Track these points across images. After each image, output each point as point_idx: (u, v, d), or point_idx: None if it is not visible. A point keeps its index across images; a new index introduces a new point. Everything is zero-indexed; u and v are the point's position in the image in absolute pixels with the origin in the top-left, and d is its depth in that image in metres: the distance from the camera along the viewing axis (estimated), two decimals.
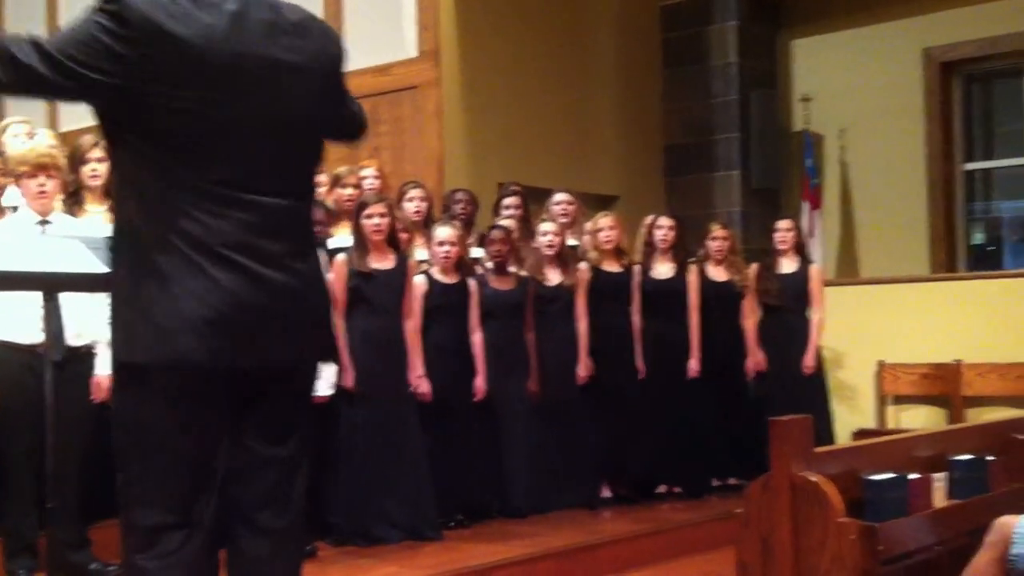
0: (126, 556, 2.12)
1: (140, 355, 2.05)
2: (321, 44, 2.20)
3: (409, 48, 7.17)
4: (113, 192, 2.22)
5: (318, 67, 2.18)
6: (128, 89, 1.99)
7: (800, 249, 6.30)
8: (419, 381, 4.82)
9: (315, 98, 2.17)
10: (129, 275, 2.08)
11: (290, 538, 2.24)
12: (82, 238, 2.87)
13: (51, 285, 2.79)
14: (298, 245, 2.16)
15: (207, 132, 2.05)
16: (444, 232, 5.01)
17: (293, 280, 2.13)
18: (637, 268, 5.82)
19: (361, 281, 4.74)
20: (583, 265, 5.67)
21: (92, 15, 2.00)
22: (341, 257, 4.78)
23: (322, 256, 4.56)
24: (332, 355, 2.34)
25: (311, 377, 2.32)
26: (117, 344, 2.12)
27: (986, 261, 8.34)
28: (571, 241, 5.87)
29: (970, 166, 8.29)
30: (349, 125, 2.42)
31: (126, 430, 2.12)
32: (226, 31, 2.04)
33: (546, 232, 5.50)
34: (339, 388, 4.63)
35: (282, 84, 2.11)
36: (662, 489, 5.83)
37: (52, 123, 7.32)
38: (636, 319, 5.75)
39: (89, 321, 3.84)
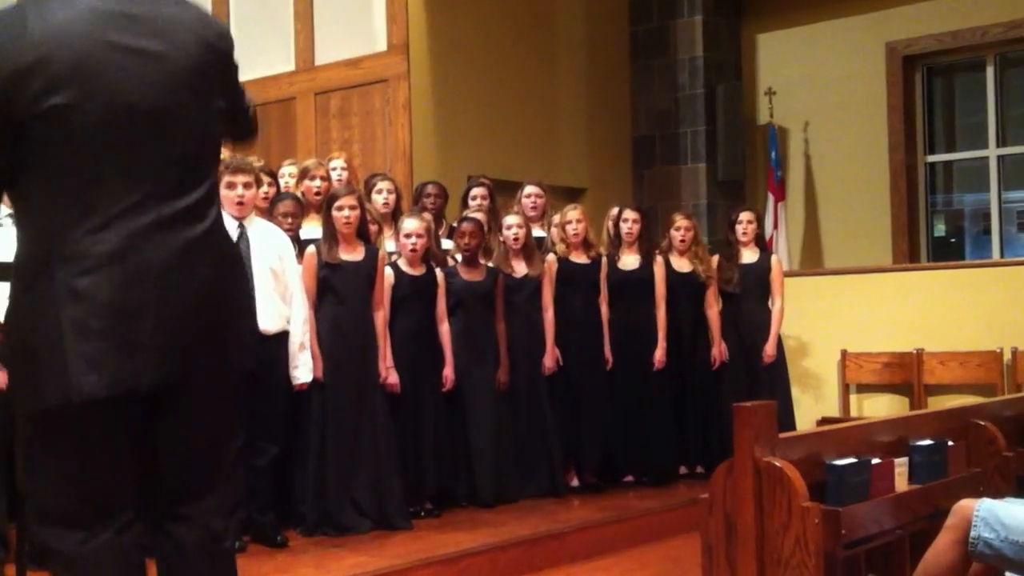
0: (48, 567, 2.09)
1: (42, 403, 1.98)
2: (195, 34, 2.10)
3: (378, 41, 7.17)
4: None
5: (186, 56, 2.06)
6: (11, 146, 1.95)
7: (760, 240, 6.37)
8: (388, 372, 4.83)
9: (191, 84, 2.07)
10: (16, 313, 2.02)
11: (217, 540, 2.17)
12: None
13: None
14: (194, 249, 2.05)
15: (72, 140, 1.96)
16: (411, 224, 5.03)
17: (190, 288, 2.03)
18: (604, 259, 5.86)
19: (330, 272, 4.74)
20: (550, 256, 5.70)
21: None
22: (311, 249, 4.78)
23: (289, 247, 4.60)
24: (245, 358, 2.24)
25: (229, 367, 2.20)
26: (15, 392, 2.05)
27: (947, 252, 8.47)
28: (539, 233, 5.90)
29: (932, 158, 8.42)
30: (233, 123, 2.31)
31: (26, 452, 2.08)
32: (77, 25, 1.97)
33: (511, 225, 5.53)
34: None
35: (147, 73, 2.01)
36: (629, 477, 5.89)
37: None
38: (604, 309, 5.79)
39: None
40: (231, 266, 2.18)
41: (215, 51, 2.14)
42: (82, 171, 1.98)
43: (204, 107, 2.11)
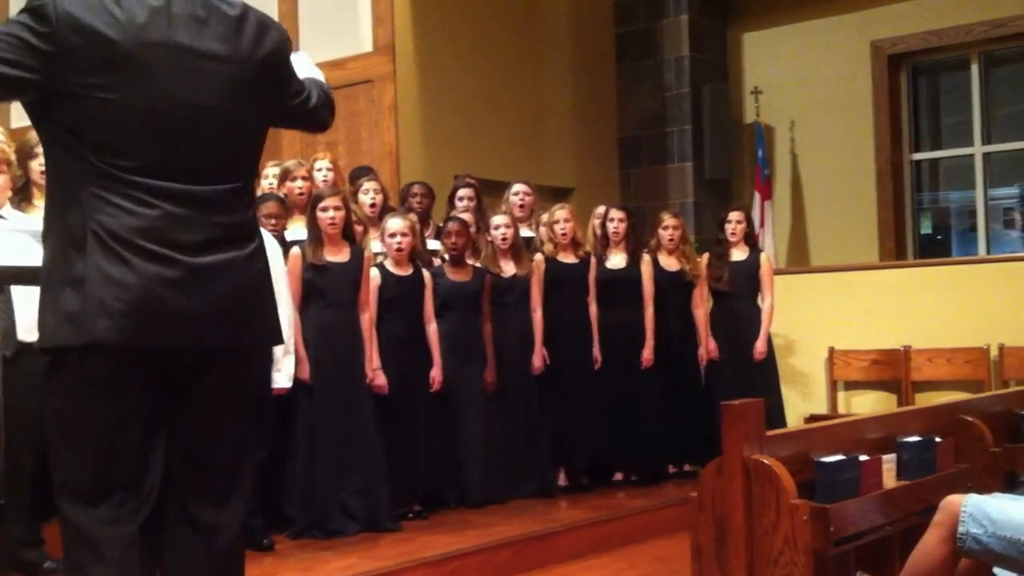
0: (64, 550, 2.13)
1: (54, 339, 2.07)
2: (255, 37, 2.21)
3: (364, 42, 7.15)
4: (45, 183, 2.24)
5: (249, 58, 2.18)
6: (49, 83, 2.03)
7: (750, 238, 6.38)
8: (375, 374, 4.81)
9: (245, 88, 2.18)
10: (52, 264, 2.11)
11: (225, 533, 2.22)
12: (31, 232, 2.84)
13: (1, 278, 2.76)
14: (224, 233, 2.15)
15: (125, 122, 2.06)
16: (395, 224, 5.01)
17: (215, 266, 2.12)
18: (592, 259, 5.85)
19: (315, 274, 4.72)
20: (538, 256, 5.70)
21: (17, 15, 2.05)
22: (295, 250, 4.76)
23: (276, 248, 4.57)
24: (273, 339, 2.35)
25: (249, 364, 2.30)
26: (39, 330, 2.13)
27: (934, 249, 8.50)
28: (527, 232, 5.89)
29: (918, 156, 8.45)
30: (305, 115, 2.43)
31: (51, 419, 2.14)
32: (146, 22, 2.07)
33: (499, 225, 5.52)
34: (295, 381, 4.61)
35: (204, 73, 2.12)
36: (618, 476, 5.89)
37: (3, 119, 7.21)
38: (592, 309, 5.79)
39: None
40: (259, 262, 2.26)
41: (271, 56, 2.24)
42: (124, 152, 2.07)
43: (251, 111, 2.21)
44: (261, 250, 2.28)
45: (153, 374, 2.12)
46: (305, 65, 2.57)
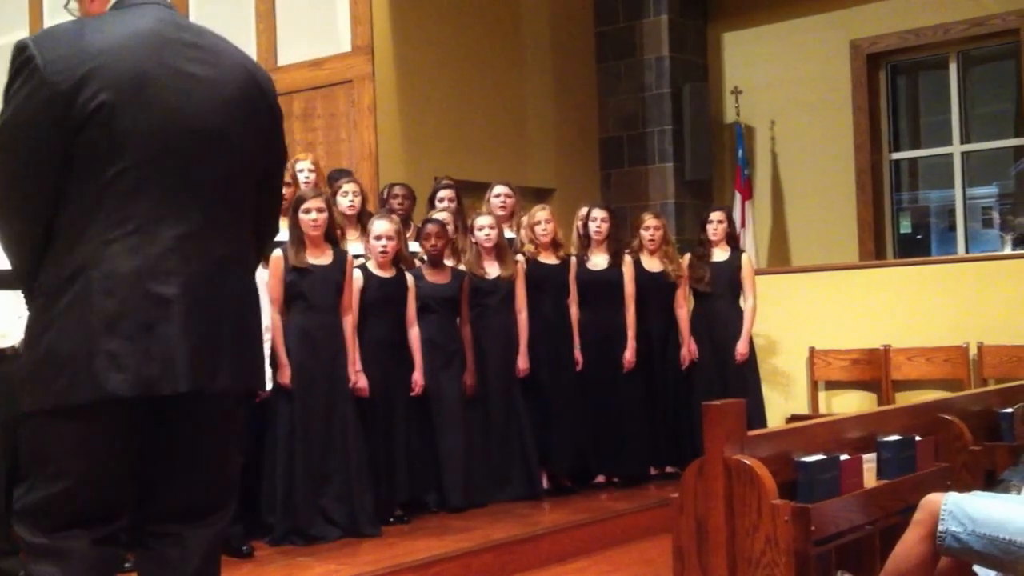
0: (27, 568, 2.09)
1: (57, 398, 1.98)
2: (243, 68, 2.20)
3: (343, 42, 7.12)
4: None
5: (235, 84, 2.16)
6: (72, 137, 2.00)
7: (731, 238, 6.39)
8: (357, 376, 4.79)
9: (238, 110, 2.15)
10: (41, 313, 2.03)
11: (206, 548, 2.19)
12: None
13: None
14: (223, 262, 2.11)
15: (115, 146, 2.01)
16: (381, 226, 4.98)
17: (216, 299, 2.08)
18: (573, 260, 5.84)
19: (297, 276, 4.69)
20: (519, 257, 5.68)
21: (15, 87, 2.02)
22: (277, 253, 4.73)
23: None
24: (258, 382, 2.29)
25: (239, 398, 2.26)
26: (27, 384, 2.05)
27: (913, 249, 8.54)
28: (509, 234, 5.87)
29: (897, 156, 8.49)
30: (278, 198, 2.42)
31: (29, 449, 2.08)
32: (134, 42, 2.05)
33: (482, 226, 5.49)
34: (275, 385, 4.58)
35: (194, 93, 2.09)
36: (600, 479, 5.87)
37: None
38: (573, 310, 5.77)
39: (14, 321, 3.74)
40: (253, 287, 2.24)
41: (261, 89, 2.22)
42: (123, 179, 2.02)
43: (249, 133, 2.18)
44: (250, 270, 2.25)
45: (144, 409, 2.07)
46: None
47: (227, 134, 2.13)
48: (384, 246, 4.94)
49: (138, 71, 2.03)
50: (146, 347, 1.99)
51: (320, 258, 4.74)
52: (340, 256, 4.80)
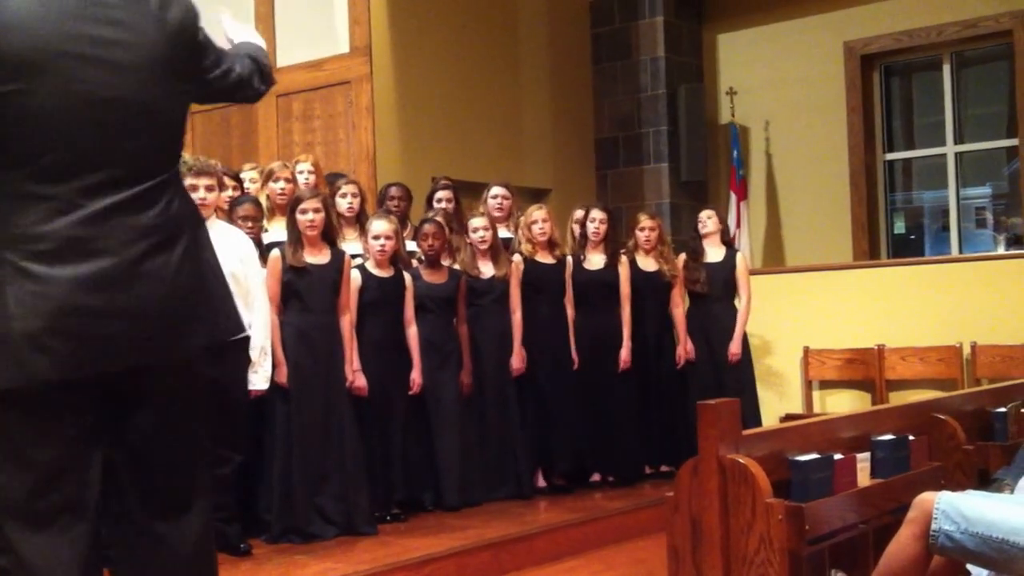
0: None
1: None
2: (156, 20, 2.07)
3: (341, 43, 7.14)
4: None
5: (154, 38, 2.05)
6: None
7: (725, 238, 6.42)
8: (355, 375, 4.80)
9: (153, 72, 2.04)
10: None
11: (185, 543, 2.12)
12: None
13: None
14: (152, 234, 2.02)
15: (26, 126, 1.94)
16: (380, 226, 5.00)
17: (145, 272, 2.00)
18: (569, 260, 5.86)
19: (294, 276, 4.70)
20: (516, 257, 5.69)
21: None
22: (275, 252, 4.74)
23: (251, 248, 4.54)
24: (224, 334, 2.19)
25: (197, 370, 2.17)
26: None
27: (907, 249, 8.57)
28: (505, 234, 5.89)
29: (891, 156, 8.51)
30: (228, 89, 2.28)
31: None
32: (34, 12, 1.94)
33: (477, 227, 5.51)
34: (272, 384, 4.59)
35: (103, 62, 1.99)
36: (596, 478, 5.89)
37: None
38: (569, 310, 5.79)
39: None
40: (197, 254, 2.13)
41: (178, 33, 2.10)
42: (37, 157, 1.96)
43: (167, 95, 2.08)
44: (199, 242, 2.15)
45: (90, 393, 2.01)
46: (236, 29, 2.43)
47: (146, 98, 2.04)
48: (382, 245, 4.95)
49: (41, 45, 1.94)
50: (72, 328, 1.93)
51: (317, 258, 4.76)
52: (337, 256, 4.81)
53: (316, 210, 4.70)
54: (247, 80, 2.31)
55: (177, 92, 2.12)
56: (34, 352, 1.92)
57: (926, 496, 2.71)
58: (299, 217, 4.70)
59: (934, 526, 2.64)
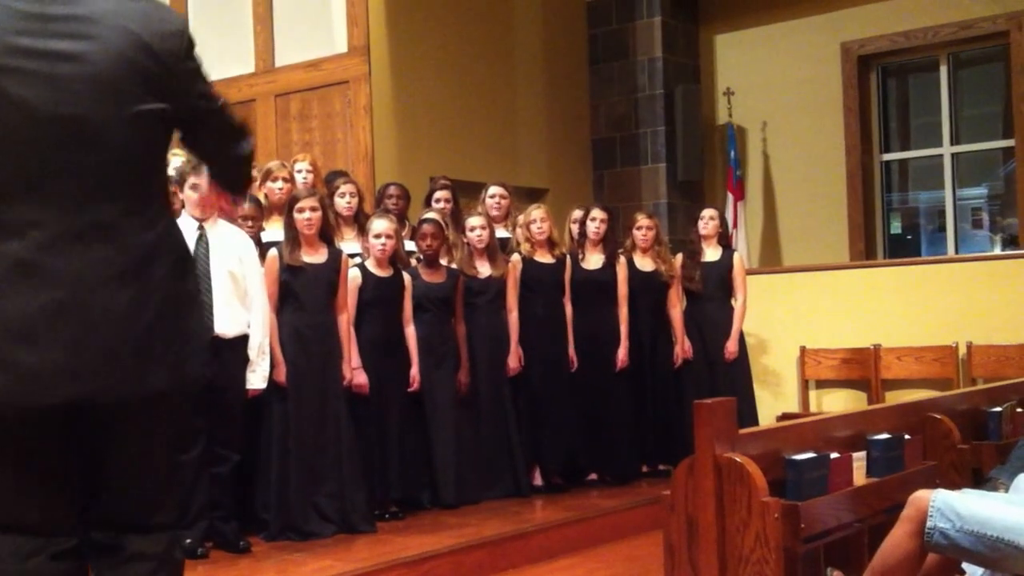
0: None
1: None
2: (127, 33, 1.93)
3: (339, 43, 7.15)
4: None
5: (108, 57, 1.91)
6: None
7: (723, 238, 6.43)
8: (355, 373, 4.81)
9: (101, 91, 1.90)
10: None
11: (150, 560, 2.06)
12: None
13: None
14: (107, 263, 1.91)
15: None
16: (381, 224, 5.01)
17: (95, 304, 1.89)
18: (568, 259, 5.87)
19: (291, 275, 4.71)
20: (514, 257, 5.71)
21: None
22: (272, 252, 4.75)
23: (251, 248, 4.56)
24: (179, 374, 2.04)
25: (167, 406, 2.06)
26: None
27: (903, 249, 8.59)
28: (503, 233, 5.91)
29: (887, 157, 8.53)
30: (206, 114, 2.11)
31: None
32: None
33: (474, 227, 5.53)
34: (270, 383, 4.60)
35: (57, 78, 1.87)
36: (592, 476, 5.91)
37: None
38: (568, 309, 5.81)
39: None
40: (167, 289, 2.00)
41: (151, 51, 1.96)
42: None
43: (130, 112, 1.93)
44: (174, 274, 2.02)
45: (50, 421, 1.95)
46: None
47: (103, 115, 1.91)
48: (383, 244, 4.97)
49: None
50: (9, 357, 1.86)
51: (314, 257, 4.77)
52: (334, 255, 4.82)
53: (313, 209, 4.71)
54: (238, 123, 2.18)
55: (141, 111, 1.95)
56: None
57: (921, 494, 2.72)
58: (296, 216, 4.71)
59: (929, 523, 2.65)
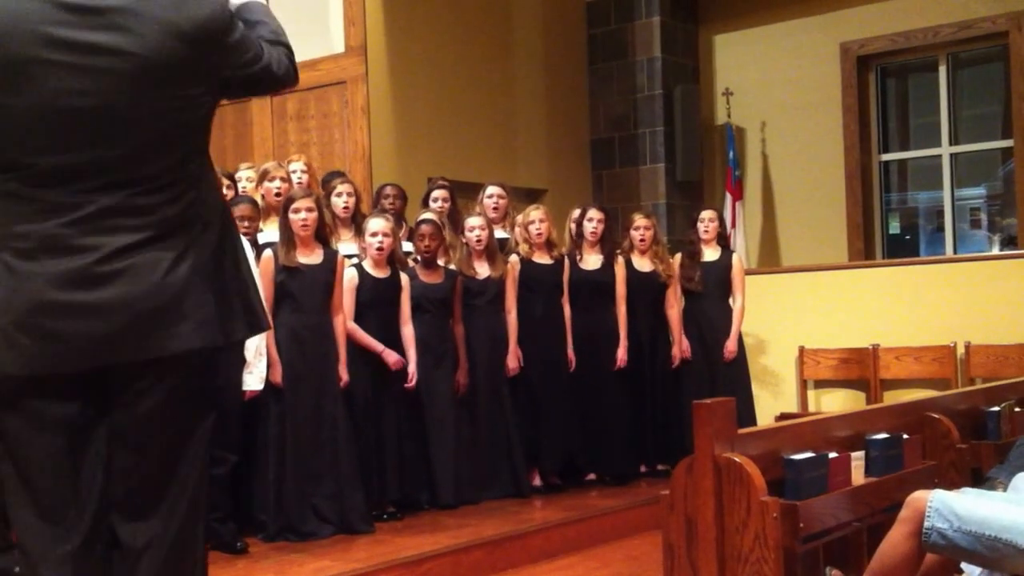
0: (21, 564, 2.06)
1: None
2: (160, 24, 1.97)
3: (336, 43, 7.14)
4: None
5: (146, 49, 1.96)
6: None
7: (722, 238, 6.43)
8: (341, 370, 4.78)
9: (153, 76, 1.97)
10: None
11: (155, 553, 2.07)
12: None
13: None
14: (140, 232, 1.98)
15: (10, 130, 1.94)
16: (377, 224, 5.01)
17: (125, 269, 1.97)
18: (567, 260, 5.87)
19: (287, 276, 4.71)
20: (513, 257, 5.70)
21: None
22: (267, 253, 4.75)
23: (250, 250, 4.56)
24: (216, 339, 2.09)
25: (186, 372, 2.09)
26: None
27: (902, 249, 8.59)
28: (501, 234, 5.90)
29: (886, 157, 8.54)
30: (268, 82, 2.20)
31: None
32: (13, 18, 1.91)
33: (473, 227, 5.52)
34: (266, 384, 4.60)
35: (93, 68, 1.93)
36: (591, 476, 5.91)
37: None
38: (566, 310, 5.80)
39: None
40: (206, 257, 2.08)
41: (189, 39, 2.00)
42: (24, 161, 1.95)
43: (167, 101, 2.00)
44: (218, 245, 2.10)
45: (73, 391, 2.01)
46: (259, 11, 2.29)
47: (141, 105, 1.97)
48: (380, 242, 4.96)
49: (17, 52, 1.90)
50: (42, 325, 1.94)
51: (310, 258, 4.76)
52: (330, 256, 4.82)
53: (309, 210, 4.70)
54: (285, 74, 2.23)
55: (180, 98, 2.03)
56: (3, 347, 1.95)
57: (919, 495, 2.72)
58: (292, 217, 4.71)
59: (927, 524, 2.65)
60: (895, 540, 2.73)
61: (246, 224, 4.83)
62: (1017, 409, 3.95)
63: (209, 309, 2.07)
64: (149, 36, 1.96)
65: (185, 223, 2.06)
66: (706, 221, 6.33)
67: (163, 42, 1.97)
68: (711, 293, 6.25)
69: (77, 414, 2.04)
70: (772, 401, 7.29)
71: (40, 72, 1.92)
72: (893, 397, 6.79)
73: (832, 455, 2.90)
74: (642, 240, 6.11)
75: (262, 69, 2.16)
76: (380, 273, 5.03)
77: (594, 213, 5.98)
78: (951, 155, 8.26)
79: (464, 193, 6.32)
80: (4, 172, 1.97)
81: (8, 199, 1.97)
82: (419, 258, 5.34)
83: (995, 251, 8.25)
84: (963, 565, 2.82)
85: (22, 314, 1.95)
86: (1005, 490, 3.09)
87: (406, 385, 5.06)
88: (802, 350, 7.33)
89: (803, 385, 7.36)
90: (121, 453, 2.07)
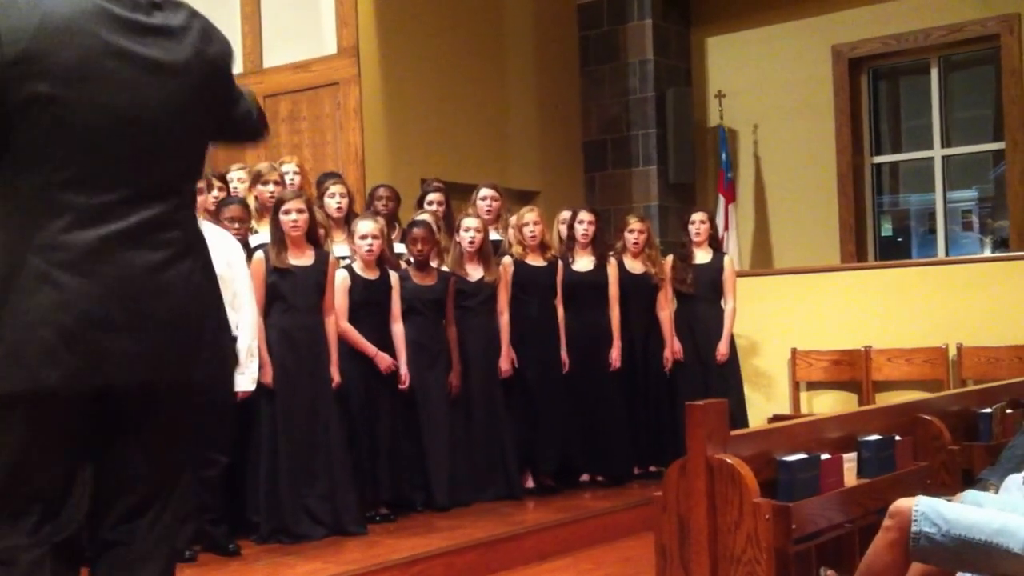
0: None
1: None
2: (200, 44, 2.09)
3: (328, 44, 7.14)
4: None
5: (193, 67, 2.06)
6: None
7: (714, 240, 6.44)
8: (333, 371, 4.78)
9: (187, 99, 2.06)
10: None
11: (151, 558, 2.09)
12: None
13: None
14: (166, 253, 2.02)
15: (60, 134, 1.94)
16: (367, 226, 5.00)
17: (164, 287, 2.00)
18: (559, 262, 5.87)
19: (278, 277, 4.70)
20: (506, 259, 5.70)
21: None
22: (259, 254, 4.74)
23: (239, 251, 4.55)
24: (222, 369, 2.19)
25: (199, 393, 2.15)
26: None
27: (894, 251, 8.62)
28: (494, 235, 5.90)
29: (878, 159, 8.56)
30: (238, 128, 2.31)
31: None
32: (77, 22, 1.93)
33: (468, 228, 5.52)
34: (258, 385, 4.59)
35: (143, 82, 1.99)
36: (584, 478, 5.91)
37: None
38: (560, 312, 5.80)
39: None
40: (208, 276, 2.14)
41: (214, 67, 2.12)
42: (69, 167, 1.96)
43: (196, 121, 2.09)
44: (206, 267, 2.15)
45: (90, 410, 2.01)
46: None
47: (177, 122, 2.05)
48: (369, 245, 4.96)
49: (80, 55, 1.93)
50: (87, 341, 1.93)
51: (301, 259, 4.75)
52: (322, 257, 4.81)
53: (300, 211, 4.70)
54: (260, 124, 2.36)
55: (204, 121, 2.12)
56: (46, 362, 1.92)
57: (902, 502, 2.65)
58: (282, 218, 4.70)
59: (914, 528, 2.59)
60: (879, 550, 2.69)
61: (237, 226, 4.83)
62: (1009, 411, 3.96)
63: (208, 339, 2.12)
64: (186, 61, 2.06)
65: (197, 240, 2.14)
66: (697, 223, 6.34)
67: (195, 66, 2.07)
68: (703, 295, 6.25)
69: (88, 418, 2.04)
70: (764, 403, 7.29)
71: (97, 74, 1.95)
72: (885, 399, 6.80)
73: (824, 456, 2.91)
74: (636, 243, 6.12)
75: (247, 111, 2.28)
76: (371, 275, 5.03)
77: (584, 215, 5.99)
78: (943, 157, 8.29)
79: (457, 194, 6.33)
80: (46, 176, 1.95)
81: (47, 206, 1.95)
82: (411, 260, 5.33)
83: (987, 253, 8.28)
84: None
85: (65, 328, 1.92)
86: (996, 492, 3.09)
87: (399, 387, 5.06)
88: (794, 352, 7.34)
89: (795, 387, 7.37)
90: (136, 459, 2.08)
